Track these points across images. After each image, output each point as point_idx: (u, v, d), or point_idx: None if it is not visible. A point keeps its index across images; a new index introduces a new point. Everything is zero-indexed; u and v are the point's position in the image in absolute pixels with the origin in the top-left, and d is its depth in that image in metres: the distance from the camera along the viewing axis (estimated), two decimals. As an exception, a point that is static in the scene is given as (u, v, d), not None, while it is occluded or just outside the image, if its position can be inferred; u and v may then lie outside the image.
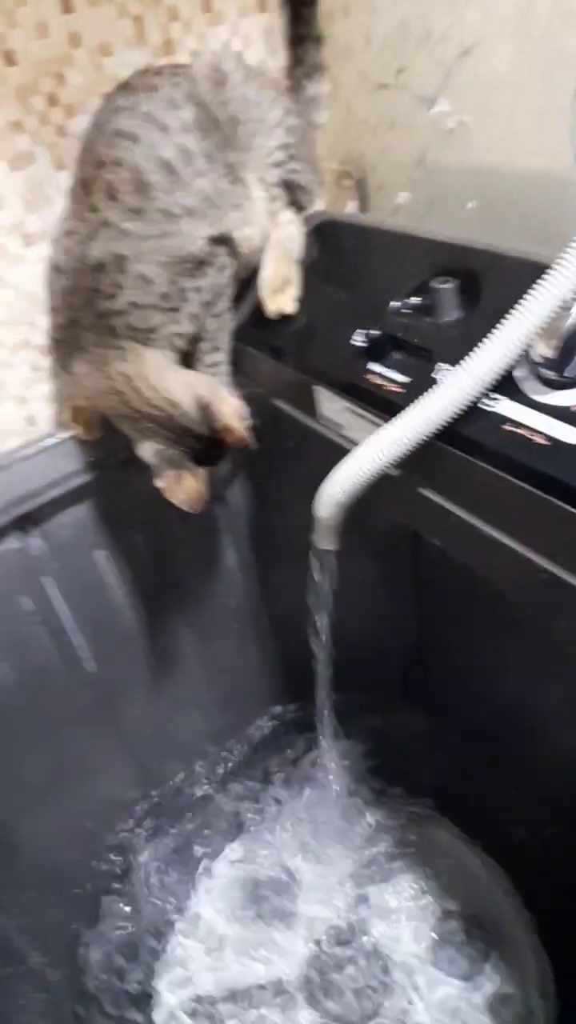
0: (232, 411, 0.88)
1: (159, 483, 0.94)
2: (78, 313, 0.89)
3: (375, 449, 0.74)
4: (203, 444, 0.92)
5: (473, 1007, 1.20)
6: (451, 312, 0.80)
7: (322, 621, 1.07)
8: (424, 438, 0.71)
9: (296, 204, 1.04)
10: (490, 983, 1.22)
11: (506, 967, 1.22)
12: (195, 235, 0.90)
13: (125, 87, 0.92)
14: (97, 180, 0.87)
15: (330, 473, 0.80)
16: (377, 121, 1.12)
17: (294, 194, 1.03)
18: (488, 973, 1.23)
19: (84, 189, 0.88)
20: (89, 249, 0.86)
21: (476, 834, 1.39)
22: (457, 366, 0.69)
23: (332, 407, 0.90)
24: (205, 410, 0.88)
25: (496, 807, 1.32)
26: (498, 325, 0.66)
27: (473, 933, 1.27)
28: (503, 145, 0.95)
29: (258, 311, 1.01)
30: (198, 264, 0.91)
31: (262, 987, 1.29)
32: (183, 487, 0.93)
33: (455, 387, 0.68)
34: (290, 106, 1.01)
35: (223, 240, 0.95)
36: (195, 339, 0.96)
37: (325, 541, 0.91)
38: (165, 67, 0.95)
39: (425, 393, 0.70)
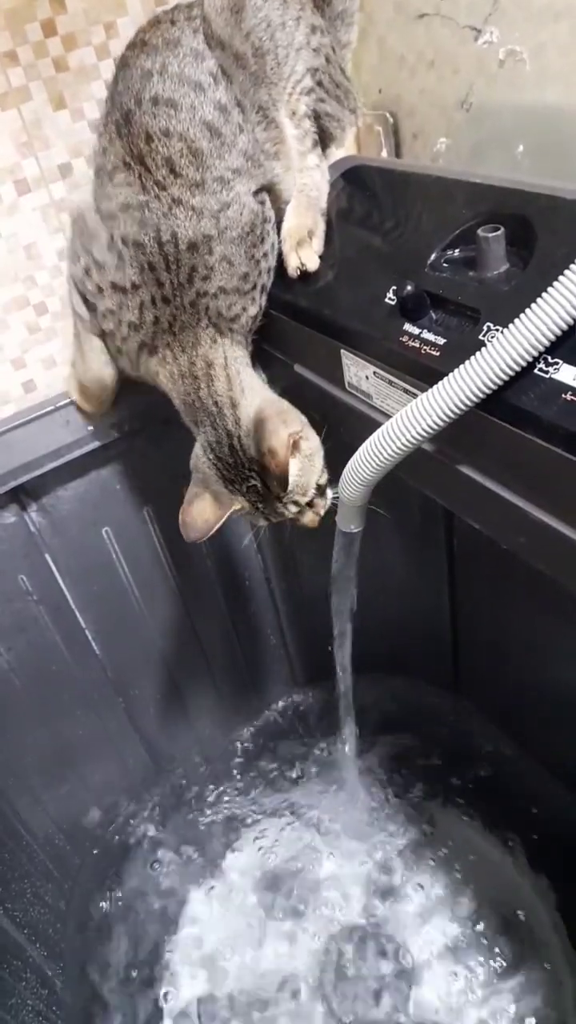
0: (285, 438, 0.80)
1: (185, 497, 0.87)
2: (171, 291, 0.83)
3: (407, 423, 0.65)
4: (241, 464, 0.84)
5: (500, 1016, 1.13)
6: (499, 265, 0.70)
7: (344, 604, 0.99)
8: (466, 409, 0.62)
9: (326, 136, 0.95)
10: (519, 991, 1.15)
11: (538, 974, 1.15)
12: (248, 195, 0.86)
13: (144, 46, 0.84)
14: (152, 154, 0.82)
15: (357, 450, 0.71)
16: (415, 58, 1.02)
17: (323, 125, 0.94)
18: (518, 980, 1.16)
19: (142, 165, 0.83)
20: (176, 227, 0.82)
21: (507, 829, 1.31)
22: (508, 326, 0.59)
23: (360, 374, 0.81)
24: (259, 424, 0.82)
25: (529, 800, 1.26)
26: (557, 278, 0.56)
27: (502, 936, 1.19)
28: (561, 80, 0.84)
29: (280, 268, 0.92)
30: (263, 223, 0.88)
31: (274, 985, 1.23)
32: (193, 508, 0.86)
33: (504, 349, 0.59)
34: (316, 22, 0.91)
35: (266, 188, 0.90)
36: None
37: (349, 523, 0.83)
38: (179, 9, 0.86)
39: (469, 357, 0.61)
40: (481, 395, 0.61)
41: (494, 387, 0.60)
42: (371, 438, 0.69)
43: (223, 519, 0.86)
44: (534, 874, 1.25)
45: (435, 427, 0.64)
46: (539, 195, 0.72)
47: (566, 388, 0.58)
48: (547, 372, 0.60)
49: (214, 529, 0.86)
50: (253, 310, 0.88)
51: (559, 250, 0.65)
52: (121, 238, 0.83)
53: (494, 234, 0.69)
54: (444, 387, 0.63)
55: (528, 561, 0.69)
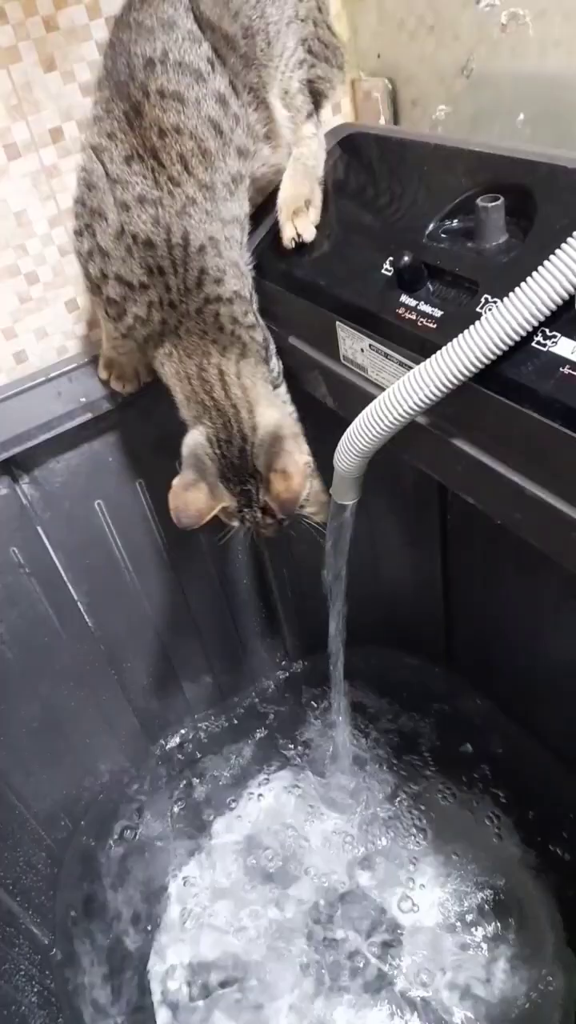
0: (302, 465, 0.82)
1: (176, 481, 0.86)
2: (177, 296, 0.82)
3: (404, 394, 0.65)
4: (245, 469, 0.85)
5: (487, 975, 1.16)
6: (498, 235, 0.69)
7: (338, 576, 1.00)
8: (463, 381, 0.62)
9: (318, 97, 0.93)
10: (505, 952, 1.17)
11: (523, 936, 1.18)
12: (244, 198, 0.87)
13: (139, 27, 0.81)
14: (166, 149, 0.81)
15: (353, 421, 0.71)
16: (415, 22, 0.99)
17: (314, 87, 0.92)
18: (503, 942, 1.18)
19: (155, 159, 0.81)
20: (189, 228, 0.81)
21: (495, 799, 1.33)
22: (505, 297, 0.58)
23: (355, 346, 0.80)
24: (276, 441, 0.83)
25: (519, 772, 1.27)
26: (556, 249, 0.55)
27: (489, 900, 1.22)
28: (564, 47, 0.82)
29: (275, 238, 0.90)
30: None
31: (261, 948, 1.25)
32: (187, 496, 0.85)
33: (501, 321, 0.58)
34: None
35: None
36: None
37: (344, 495, 0.83)
38: None
39: (465, 329, 0.60)
40: (478, 367, 0.61)
41: (491, 359, 0.60)
42: (367, 409, 0.69)
43: (215, 510, 0.86)
44: (519, 843, 1.27)
45: (432, 399, 0.64)
46: (540, 164, 0.70)
47: (564, 362, 0.57)
48: (545, 345, 0.59)
49: (206, 519, 0.85)
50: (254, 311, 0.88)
51: (559, 221, 0.64)
52: (132, 234, 0.81)
53: (493, 204, 0.68)
54: (441, 358, 0.62)
55: (522, 536, 0.69)
